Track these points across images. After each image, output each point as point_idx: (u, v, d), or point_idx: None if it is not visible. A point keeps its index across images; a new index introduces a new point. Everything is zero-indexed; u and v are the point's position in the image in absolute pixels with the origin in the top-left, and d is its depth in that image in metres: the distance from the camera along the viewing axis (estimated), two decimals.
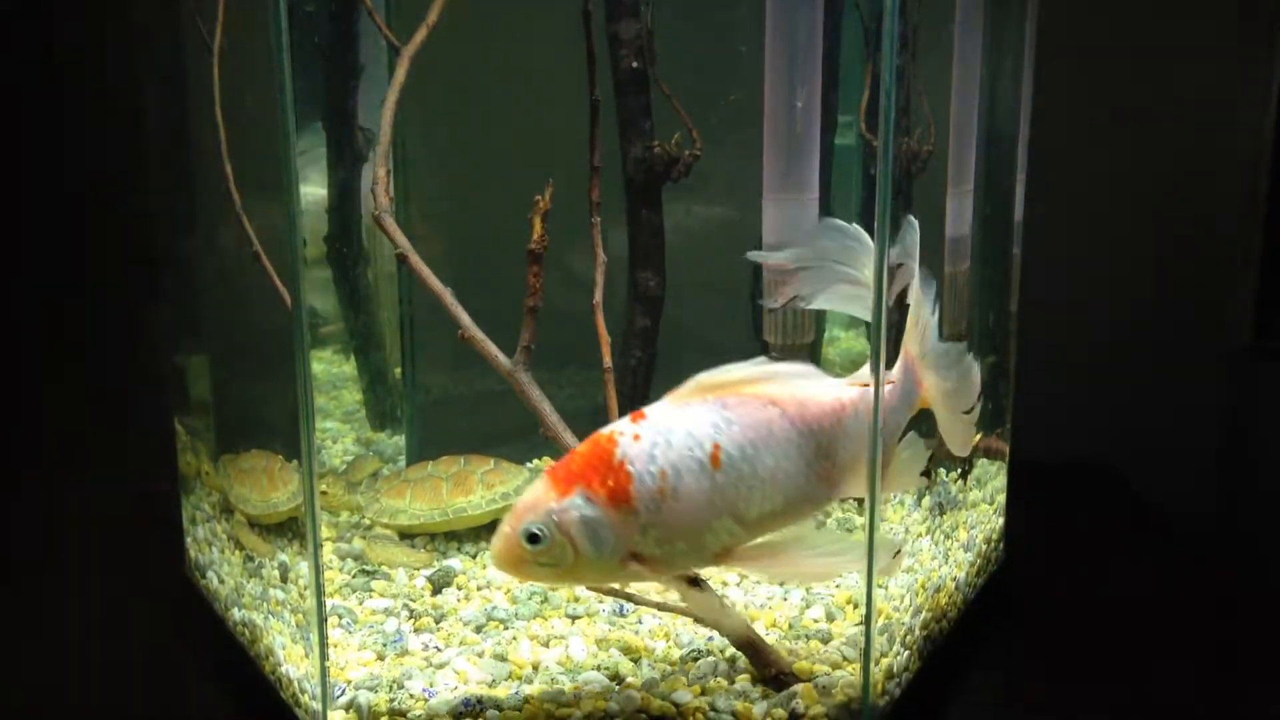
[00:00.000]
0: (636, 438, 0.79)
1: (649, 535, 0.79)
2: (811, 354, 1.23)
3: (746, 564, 0.82)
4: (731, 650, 0.92)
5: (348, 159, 1.32)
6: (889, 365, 0.83)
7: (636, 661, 0.93)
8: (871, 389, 0.82)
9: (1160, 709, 0.96)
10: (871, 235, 0.83)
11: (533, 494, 0.79)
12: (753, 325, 1.22)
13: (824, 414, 0.82)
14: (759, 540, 0.82)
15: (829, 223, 0.85)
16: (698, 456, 0.78)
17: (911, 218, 0.85)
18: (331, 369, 1.45)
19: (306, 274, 0.82)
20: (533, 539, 0.78)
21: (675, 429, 0.79)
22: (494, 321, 0.95)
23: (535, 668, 0.92)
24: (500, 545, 0.79)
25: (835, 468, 0.82)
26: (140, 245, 1.38)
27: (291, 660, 0.91)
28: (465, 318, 0.94)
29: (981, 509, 1.14)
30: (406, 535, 1.17)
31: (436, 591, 1.06)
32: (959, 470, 1.08)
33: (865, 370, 0.84)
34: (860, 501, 1.20)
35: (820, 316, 1.24)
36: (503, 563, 0.80)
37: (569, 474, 0.79)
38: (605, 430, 0.80)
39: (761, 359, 0.81)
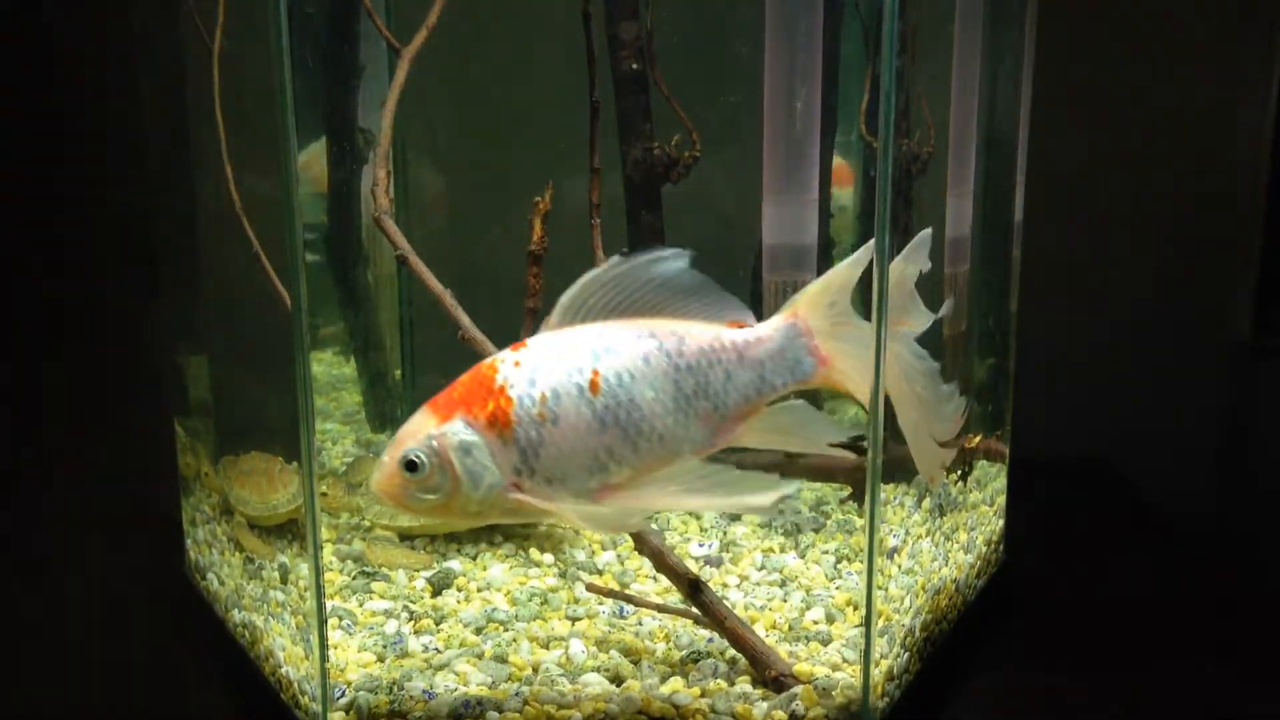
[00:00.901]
0: (517, 364, 0.78)
1: (529, 462, 0.78)
2: None
3: (628, 501, 0.81)
4: (732, 652, 0.92)
5: (348, 160, 1.32)
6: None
7: (636, 663, 0.93)
8: (756, 336, 0.81)
9: (1161, 710, 0.96)
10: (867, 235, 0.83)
11: (412, 422, 0.79)
12: None
13: (701, 352, 0.80)
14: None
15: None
16: (577, 381, 0.78)
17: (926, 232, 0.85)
18: (331, 370, 1.46)
19: (306, 275, 0.82)
20: (411, 466, 0.77)
21: (556, 355, 0.78)
22: (494, 322, 0.95)
23: (535, 669, 0.92)
24: (379, 475, 0.79)
25: (715, 411, 0.81)
26: (140, 245, 1.38)
27: (291, 662, 0.91)
28: (465, 319, 0.94)
29: (982, 511, 1.14)
30: (406, 537, 1.17)
31: (436, 593, 1.06)
32: (959, 472, 1.08)
33: (761, 325, 0.82)
34: (860, 501, 1.20)
35: None
36: (382, 493, 0.79)
37: (449, 401, 0.78)
38: (487, 359, 0.80)
39: (616, 258, 0.79)
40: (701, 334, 0.81)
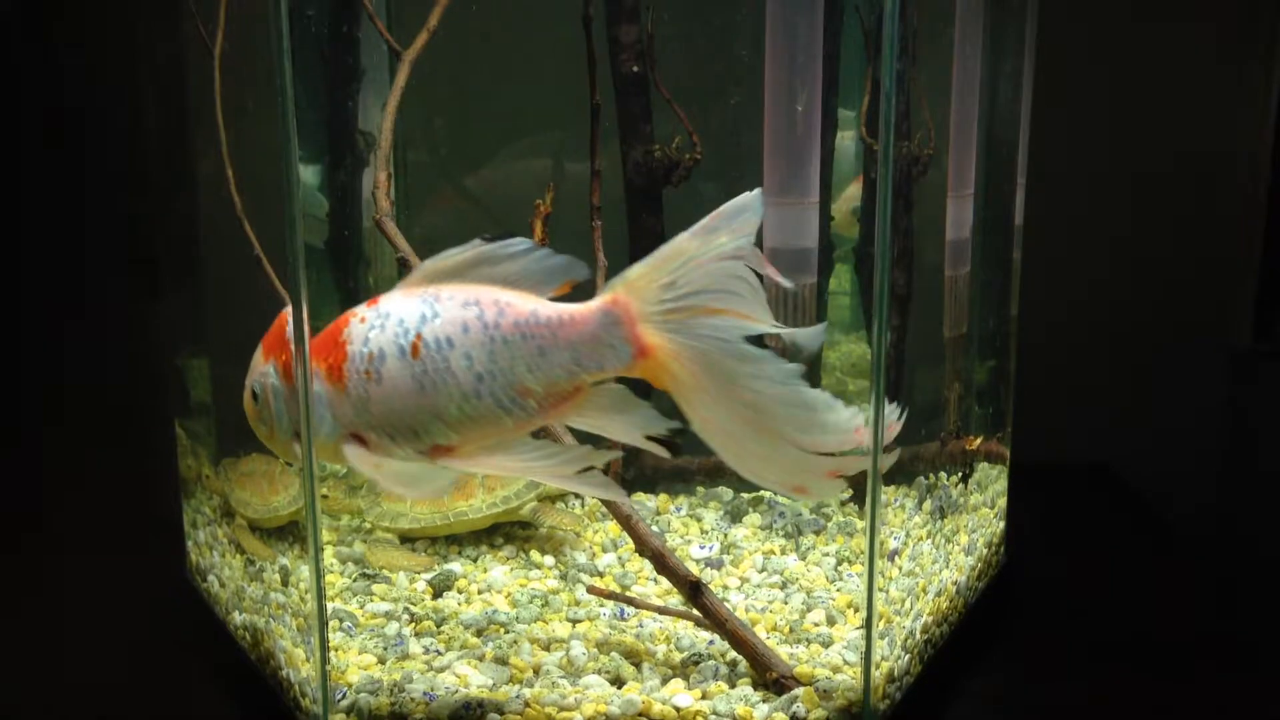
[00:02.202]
0: (363, 320, 0.80)
1: (364, 416, 0.80)
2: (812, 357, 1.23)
3: (468, 464, 0.81)
4: (733, 654, 0.92)
5: (348, 163, 1.32)
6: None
7: (637, 665, 0.93)
8: (571, 316, 0.79)
9: (1161, 711, 0.96)
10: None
11: (257, 355, 0.84)
12: None
13: (516, 326, 0.79)
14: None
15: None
16: (401, 344, 0.79)
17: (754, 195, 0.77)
18: None
19: (307, 277, 0.82)
20: (253, 395, 0.83)
21: (392, 314, 0.79)
22: None
23: (536, 671, 0.92)
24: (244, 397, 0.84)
25: (531, 386, 0.79)
26: (140, 245, 1.38)
27: (292, 664, 0.91)
28: None
29: (982, 513, 1.14)
30: (407, 539, 1.17)
31: (437, 595, 1.06)
32: (960, 474, 1.08)
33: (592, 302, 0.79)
34: (861, 504, 1.20)
35: (821, 321, 1.24)
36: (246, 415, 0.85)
37: (275, 342, 0.82)
38: (348, 311, 0.82)
39: (476, 241, 0.80)
40: (521, 306, 0.79)
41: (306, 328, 0.80)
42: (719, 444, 0.79)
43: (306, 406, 0.81)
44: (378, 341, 0.79)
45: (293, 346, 0.81)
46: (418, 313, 0.79)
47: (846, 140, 1.21)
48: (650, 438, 0.80)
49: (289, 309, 0.82)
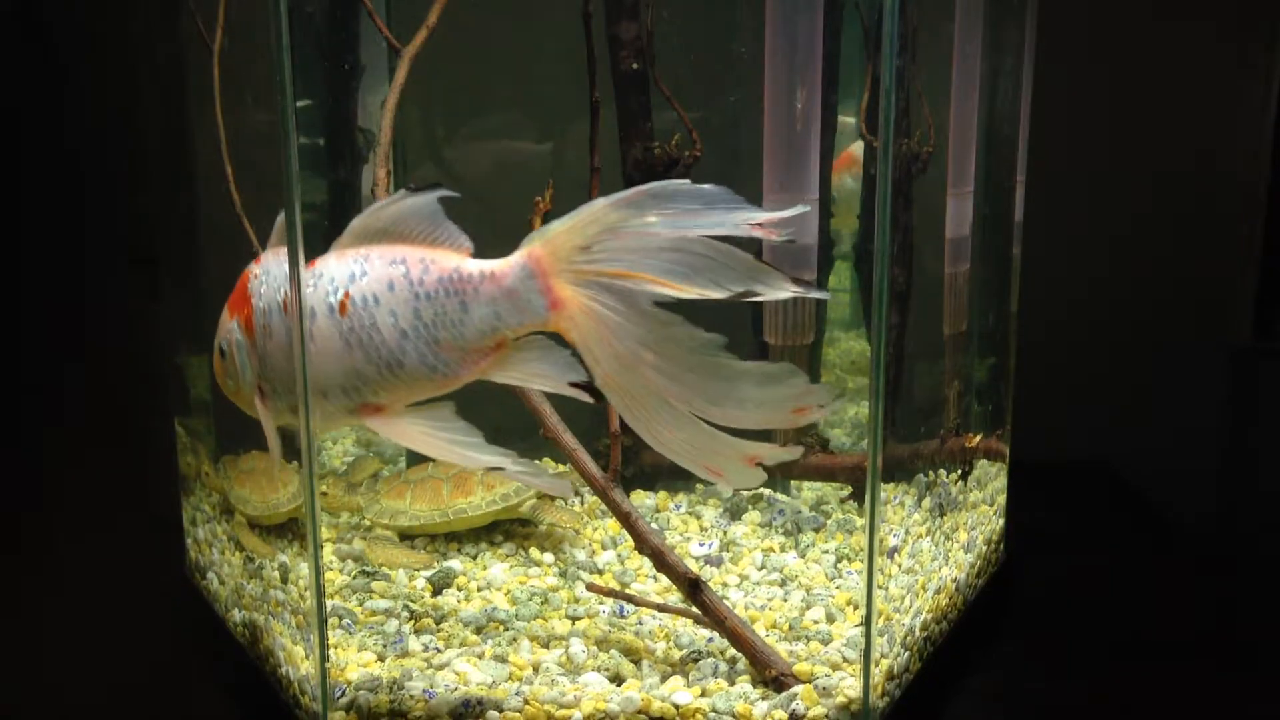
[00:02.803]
0: (256, 276, 0.84)
1: (261, 370, 0.84)
2: (812, 354, 1.23)
3: (395, 428, 0.82)
4: (732, 652, 0.92)
5: (348, 160, 1.32)
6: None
7: (637, 663, 0.93)
8: (491, 272, 0.79)
9: (1160, 710, 0.96)
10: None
11: (223, 314, 0.86)
12: (752, 325, 1.22)
13: (439, 282, 0.80)
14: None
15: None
16: (329, 301, 0.80)
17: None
18: None
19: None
20: (220, 353, 0.86)
21: (324, 274, 0.81)
22: None
23: (535, 669, 0.92)
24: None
25: (456, 342, 0.80)
26: (140, 245, 1.38)
27: (292, 661, 0.91)
28: None
29: (982, 510, 1.14)
30: (406, 536, 1.17)
31: (437, 592, 1.06)
32: (959, 471, 1.08)
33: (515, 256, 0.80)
34: (860, 501, 1.20)
35: (821, 318, 1.24)
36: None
37: (238, 299, 0.86)
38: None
39: (402, 192, 0.80)
40: (445, 263, 0.80)
41: (306, 327, 0.80)
42: (623, 406, 0.78)
43: (306, 408, 0.81)
44: (269, 298, 0.83)
45: (295, 349, 0.81)
46: (347, 271, 0.81)
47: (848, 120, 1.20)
48: (575, 385, 0.79)
49: (251, 267, 0.85)
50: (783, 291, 0.76)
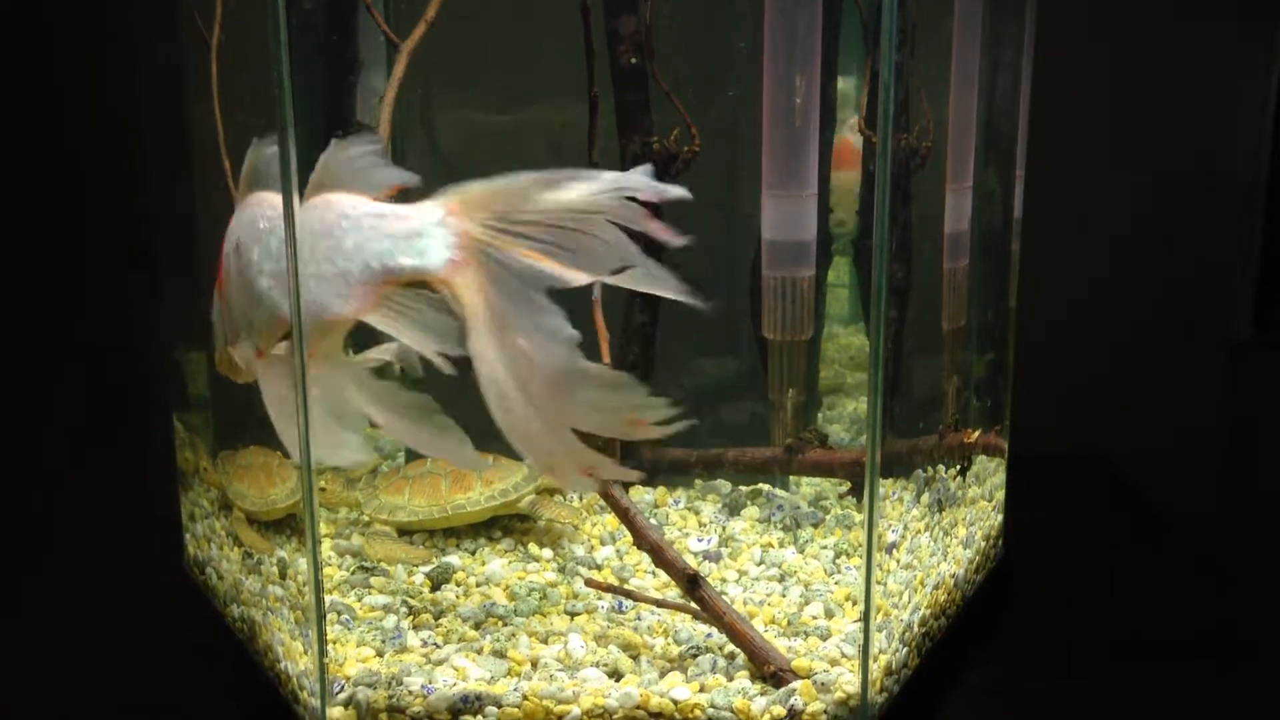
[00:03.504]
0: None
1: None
2: (810, 350, 1.23)
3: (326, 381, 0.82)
4: (731, 647, 0.92)
5: None
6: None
7: (635, 658, 0.93)
8: (395, 212, 0.78)
9: (1160, 708, 0.96)
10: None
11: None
12: (751, 321, 1.22)
13: (341, 216, 0.79)
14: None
15: None
16: (226, 250, 0.85)
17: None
18: None
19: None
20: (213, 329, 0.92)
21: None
22: None
23: (534, 664, 0.92)
24: None
25: (345, 277, 0.78)
26: (140, 245, 1.38)
27: (290, 657, 0.91)
28: None
29: (981, 506, 1.14)
30: (405, 532, 1.17)
31: (435, 588, 1.06)
32: (958, 467, 1.08)
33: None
34: (859, 496, 1.20)
35: (819, 313, 1.24)
36: None
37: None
38: None
39: (333, 140, 0.81)
40: (344, 201, 0.79)
41: (305, 324, 0.80)
42: (483, 382, 0.76)
43: (305, 409, 0.81)
44: (228, 249, 0.86)
45: (294, 346, 0.81)
46: (239, 217, 0.85)
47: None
48: (443, 355, 0.77)
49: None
50: (663, 288, 0.76)
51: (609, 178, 0.75)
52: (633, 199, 0.75)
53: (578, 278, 0.75)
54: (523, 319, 0.74)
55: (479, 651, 0.94)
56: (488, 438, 1.14)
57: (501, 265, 0.75)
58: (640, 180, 0.75)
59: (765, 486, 1.26)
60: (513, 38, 1.20)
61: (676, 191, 0.75)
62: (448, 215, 0.76)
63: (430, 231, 0.76)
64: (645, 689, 0.87)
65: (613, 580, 1.08)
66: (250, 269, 0.82)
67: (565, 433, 0.76)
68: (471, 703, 0.86)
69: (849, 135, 1.20)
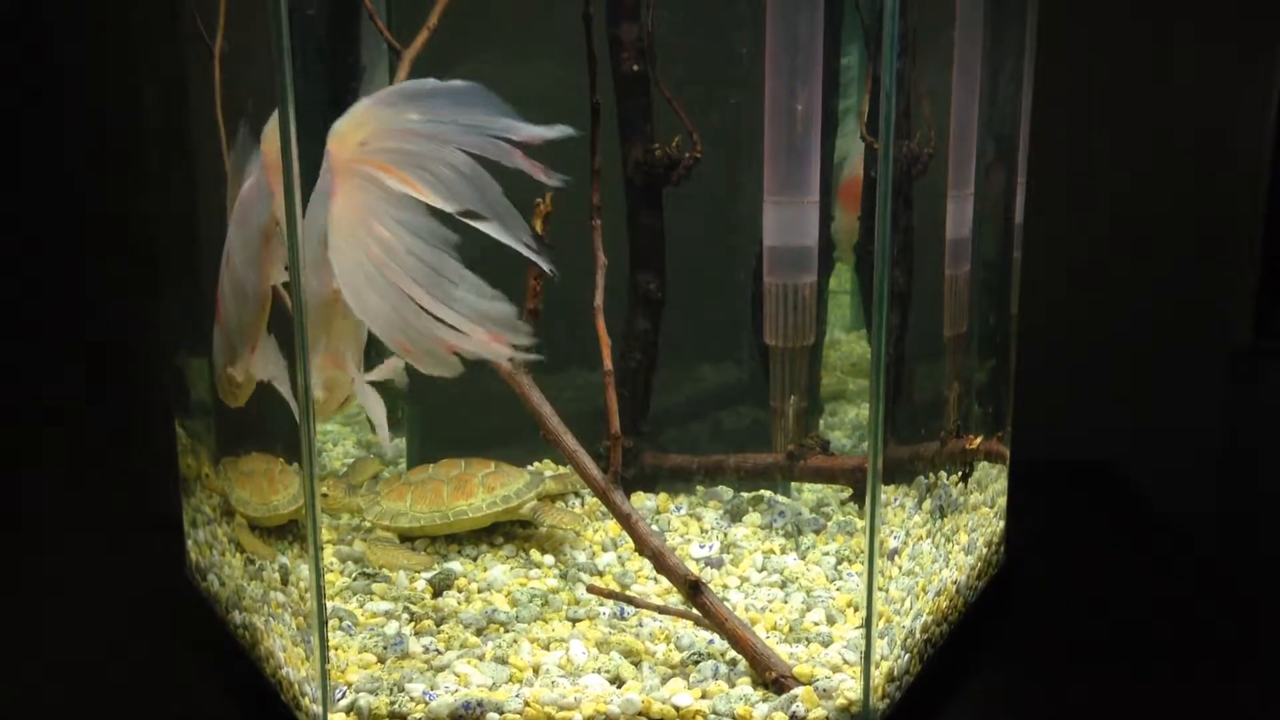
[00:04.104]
0: None
1: None
2: (812, 356, 1.23)
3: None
4: (732, 653, 0.92)
5: None
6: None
7: (637, 665, 0.93)
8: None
9: (1161, 711, 0.96)
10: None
11: None
12: (753, 327, 1.22)
13: (251, 189, 0.87)
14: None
15: None
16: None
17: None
18: None
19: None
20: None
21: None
22: None
23: (536, 670, 0.92)
24: None
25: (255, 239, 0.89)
26: (140, 245, 1.38)
27: (292, 663, 0.91)
28: None
29: (982, 512, 1.14)
30: (407, 538, 1.17)
31: (437, 594, 1.06)
32: (960, 473, 1.08)
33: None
34: (861, 503, 1.20)
35: (821, 320, 1.24)
36: None
37: None
38: None
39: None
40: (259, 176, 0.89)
41: (305, 324, 0.80)
42: (341, 273, 0.81)
43: (308, 413, 0.81)
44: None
45: (296, 351, 0.81)
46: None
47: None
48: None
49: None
50: (515, 241, 0.81)
51: (458, 110, 0.80)
52: (508, 140, 0.80)
53: (435, 201, 0.80)
54: (385, 214, 0.81)
55: (481, 658, 0.94)
56: (489, 443, 1.14)
57: (367, 181, 0.81)
58: (498, 120, 0.80)
59: (767, 493, 1.26)
60: (514, 44, 1.20)
61: (545, 132, 0.81)
62: (331, 158, 0.82)
63: (320, 180, 0.83)
64: (647, 695, 0.87)
65: (615, 587, 1.08)
66: (238, 269, 0.89)
67: (431, 319, 0.81)
68: (473, 709, 0.86)
69: (859, 172, 1.21)
